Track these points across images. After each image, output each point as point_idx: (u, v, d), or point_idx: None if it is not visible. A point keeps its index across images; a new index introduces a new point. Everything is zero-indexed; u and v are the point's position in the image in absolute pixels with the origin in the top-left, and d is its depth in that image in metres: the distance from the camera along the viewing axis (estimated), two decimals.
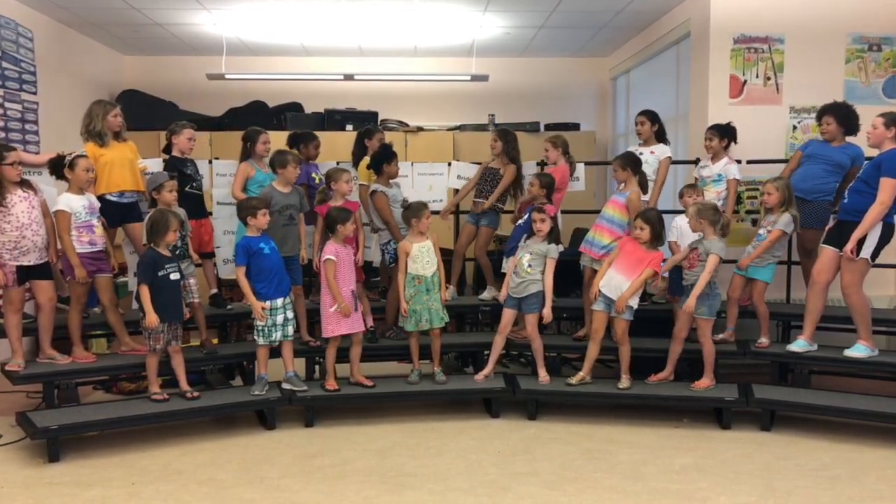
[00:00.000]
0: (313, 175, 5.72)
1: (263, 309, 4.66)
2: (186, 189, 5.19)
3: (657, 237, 4.80)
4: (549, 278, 4.91)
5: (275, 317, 4.70)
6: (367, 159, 5.60)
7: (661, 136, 5.83)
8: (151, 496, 3.72)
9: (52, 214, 4.71)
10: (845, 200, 4.81)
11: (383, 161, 5.40)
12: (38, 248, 4.63)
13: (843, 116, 5.39)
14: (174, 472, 4.02)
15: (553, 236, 4.96)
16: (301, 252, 5.17)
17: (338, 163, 6.03)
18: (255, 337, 4.75)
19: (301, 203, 5.19)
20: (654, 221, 4.79)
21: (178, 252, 4.79)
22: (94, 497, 3.71)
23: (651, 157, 5.69)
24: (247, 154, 5.42)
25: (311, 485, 3.86)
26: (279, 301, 4.71)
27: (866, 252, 4.67)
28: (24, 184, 4.64)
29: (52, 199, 4.83)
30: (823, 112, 5.48)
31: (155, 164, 5.47)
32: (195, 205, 5.28)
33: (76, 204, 4.70)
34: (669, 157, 5.72)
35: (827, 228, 4.99)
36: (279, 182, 5.13)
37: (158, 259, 4.53)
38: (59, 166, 4.75)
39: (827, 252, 4.86)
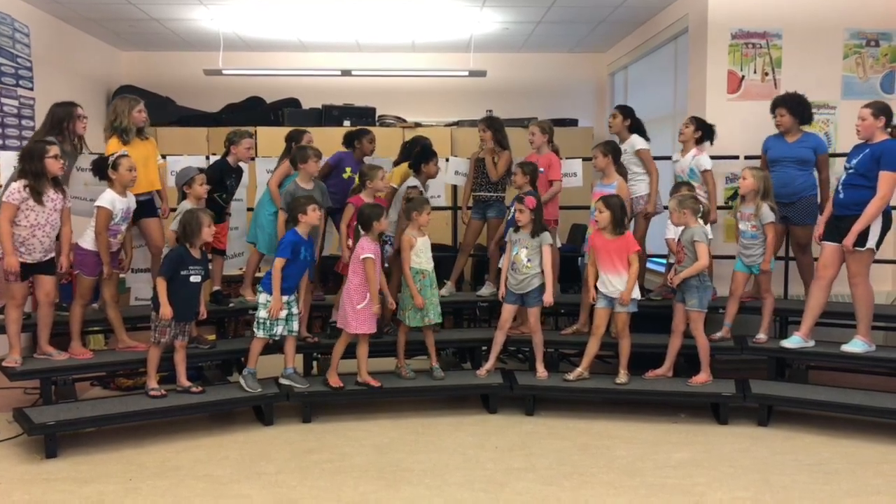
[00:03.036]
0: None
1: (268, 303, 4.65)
2: (214, 195, 5.21)
3: (618, 223, 4.79)
4: (548, 266, 4.92)
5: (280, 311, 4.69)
6: (405, 165, 5.66)
7: (635, 132, 5.71)
8: (149, 492, 3.72)
9: (94, 210, 4.72)
10: (840, 196, 4.79)
11: (422, 160, 5.49)
12: (44, 250, 4.62)
13: (794, 106, 5.40)
14: (171, 468, 4.02)
15: (538, 226, 4.94)
16: (317, 248, 5.15)
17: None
18: (255, 330, 4.73)
19: (322, 199, 5.18)
20: (616, 207, 4.79)
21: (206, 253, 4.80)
22: (91, 493, 3.71)
23: (624, 154, 5.62)
24: (290, 152, 5.41)
25: (309, 480, 3.86)
26: (284, 298, 4.70)
27: (871, 242, 4.69)
28: (57, 185, 4.61)
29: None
30: (776, 104, 5.49)
31: (187, 161, 5.55)
32: (216, 211, 5.26)
33: (118, 206, 4.72)
34: (645, 149, 5.59)
35: (824, 223, 4.97)
36: (301, 178, 5.14)
37: (185, 258, 4.53)
38: (103, 167, 4.77)
39: (828, 248, 4.85)
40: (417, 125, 8.55)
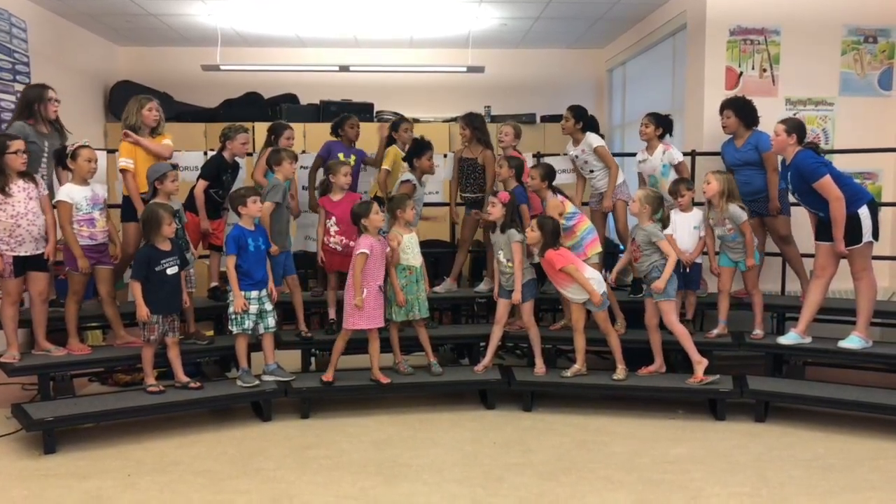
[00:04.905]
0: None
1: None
2: (210, 191, 5.23)
3: (546, 245, 4.78)
4: (517, 264, 4.90)
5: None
6: (395, 147, 5.70)
7: (589, 131, 5.76)
8: (147, 487, 3.73)
9: (54, 205, 4.70)
10: (821, 214, 4.79)
11: (414, 155, 5.48)
12: (34, 239, 4.61)
13: (740, 109, 5.47)
14: (170, 464, 4.03)
15: (507, 222, 4.94)
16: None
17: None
18: (230, 326, 4.75)
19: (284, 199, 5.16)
20: (547, 229, 4.78)
21: (180, 243, 4.79)
22: (90, 488, 3.72)
23: (583, 154, 5.69)
24: (270, 144, 5.46)
25: (307, 476, 3.87)
26: (253, 293, 4.69)
27: (867, 236, 4.71)
28: (26, 176, 4.61)
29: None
30: (723, 107, 5.56)
31: (197, 158, 5.61)
32: (213, 207, 5.31)
33: (77, 195, 4.70)
34: (601, 146, 5.67)
35: (814, 227, 4.99)
36: (279, 177, 5.15)
37: (154, 255, 4.52)
38: (62, 156, 4.77)
39: (824, 247, 4.85)
40: (416, 121, 8.51)
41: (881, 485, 3.77)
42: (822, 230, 4.85)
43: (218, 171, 5.28)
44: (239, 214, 4.74)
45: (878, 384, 4.98)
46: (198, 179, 5.29)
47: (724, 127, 5.56)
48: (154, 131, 5.19)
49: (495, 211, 4.93)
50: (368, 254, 4.67)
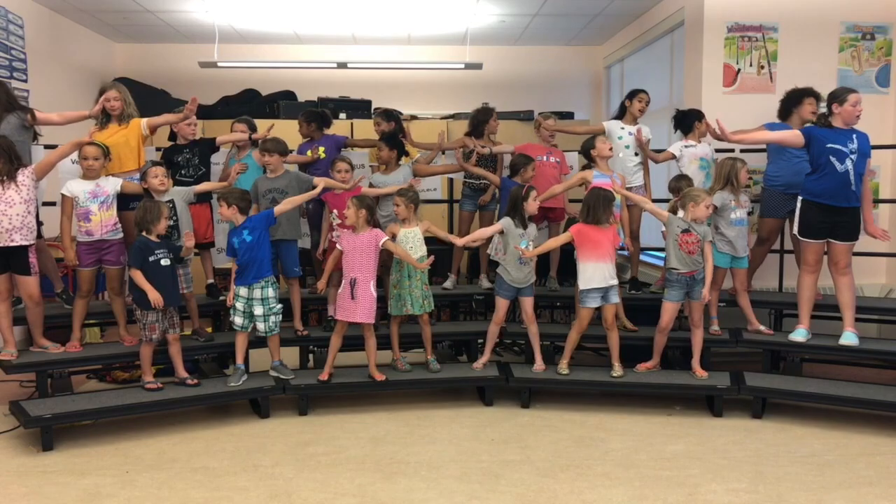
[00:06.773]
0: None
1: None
2: (177, 177, 5.19)
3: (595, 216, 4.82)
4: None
5: (235, 301, 4.74)
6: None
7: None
8: (145, 484, 3.74)
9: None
10: (853, 187, 4.71)
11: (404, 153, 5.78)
12: None
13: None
14: (168, 461, 4.04)
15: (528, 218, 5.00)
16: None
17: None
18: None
19: (289, 186, 5.10)
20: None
21: (172, 238, 4.79)
22: (88, 485, 3.72)
23: (640, 134, 5.61)
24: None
25: (305, 472, 3.88)
26: (241, 290, 4.72)
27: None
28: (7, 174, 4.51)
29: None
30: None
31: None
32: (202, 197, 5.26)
33: (76, 188, 4.73)
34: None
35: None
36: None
37: (149, 244, 4.54)
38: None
39: (817, 245, 4.87)
40: (414, 118, 8.53)
41: (877, 480, 3.79)
42: (819, 226, 4.86)
43: (171, 157, 5.25)
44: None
45: (874, 380, 5.00)
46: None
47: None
48: (120, 119, 5.04)
49: (536, 203, 4.95)
50: (341, 249, 4.80)
